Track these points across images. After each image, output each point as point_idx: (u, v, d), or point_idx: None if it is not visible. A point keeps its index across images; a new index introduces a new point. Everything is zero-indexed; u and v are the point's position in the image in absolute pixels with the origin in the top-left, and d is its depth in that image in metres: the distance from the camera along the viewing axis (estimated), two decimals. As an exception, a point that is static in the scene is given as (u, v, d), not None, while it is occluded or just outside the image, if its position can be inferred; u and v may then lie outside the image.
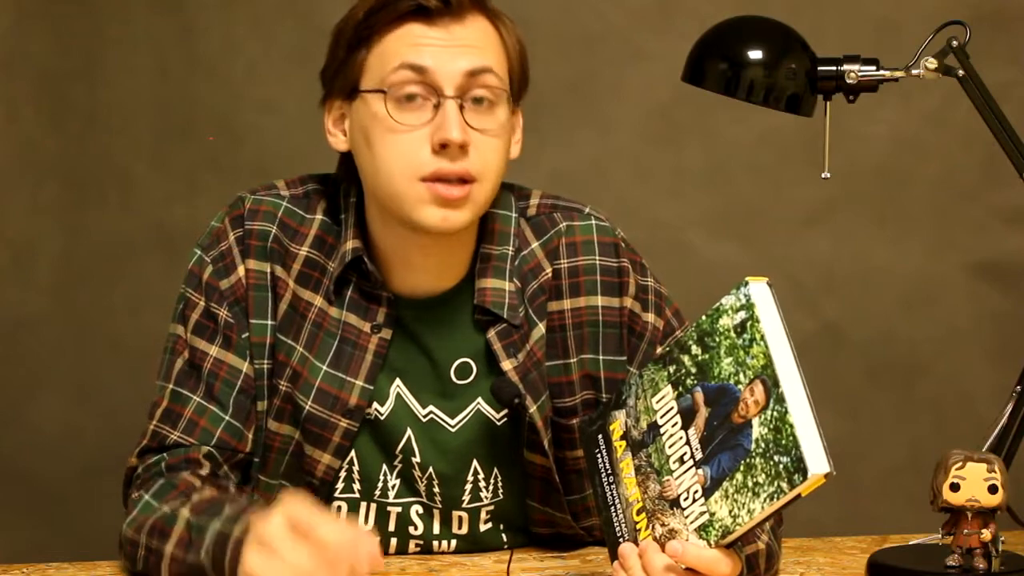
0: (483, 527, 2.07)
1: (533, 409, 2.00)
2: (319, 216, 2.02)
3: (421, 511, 2.05)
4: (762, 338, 1.69)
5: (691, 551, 1.71)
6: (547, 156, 3.30)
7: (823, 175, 2.12)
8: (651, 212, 3.37)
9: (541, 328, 2.01)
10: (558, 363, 2.03)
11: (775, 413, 1.66)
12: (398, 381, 2.01)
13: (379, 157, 1.93)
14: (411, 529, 2.05)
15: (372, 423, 2.01)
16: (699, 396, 1.74)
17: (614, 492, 1.82)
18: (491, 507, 2.06)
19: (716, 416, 1.72)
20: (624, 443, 1.81)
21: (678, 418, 1.75)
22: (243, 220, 2.01)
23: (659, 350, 1.98)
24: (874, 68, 2.11)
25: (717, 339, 1.73)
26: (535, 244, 2.04)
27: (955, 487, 1.87)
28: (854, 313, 3.43)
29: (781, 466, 1.65)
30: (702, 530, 1.72)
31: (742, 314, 1.71)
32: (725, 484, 1.70)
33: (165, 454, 1.97)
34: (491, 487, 2.05)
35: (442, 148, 1.90)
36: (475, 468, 2.03)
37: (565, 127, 3.36)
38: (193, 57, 3.40)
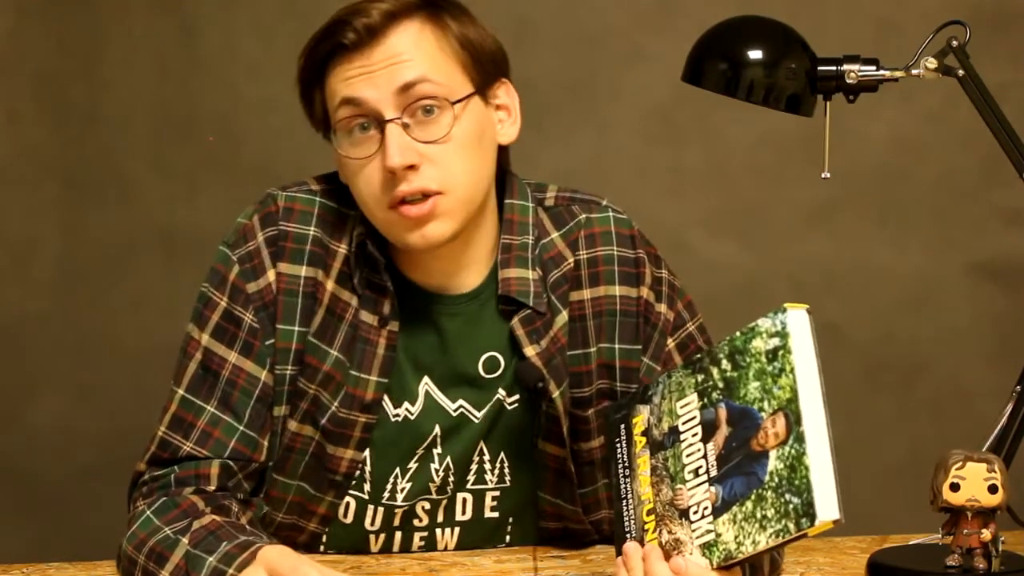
0: (488, 514, 2.07)
1: (556, 394, 2.00)
2: (355, 212, 2.00)
3: (428, 507, 2.05)
4: (791, 371, 1.66)
5: (693, 571, 1.71)
6: (547, 156, 3.29)
7: (823, 175, 2.12)
8: (651, 212, 3.34)
9: (565, 315, 2.02)
10: (578, 352, 2.04)
11: (793, 451, 1.64)
12: (426, 379, 2.02)
13: (355, 193, 1.96)
14: (415, 521, 2.06)
15: (401, 424, 2.01)
16: (722, 412, 1.72)
17: (628, 487, 1.81)
18: (496, 492, 2.06)
19: (736, 438, 1.70)
20: (644, 439, 1.81)
21: (699, 429, 1.74)
22: (276, 219, 1.99)
23: (686, 357, 2.00)
24: (874, 68, 2.11)
25: (748, 359, 1.70)
26: (555, 234, 2.05)
27: (955, 487, 1.87)
28: (854, 313, 3.43)
29: (791, 506, 1.63)
30: (706, 548, 1.71)
31: (776, 340, 1.68)
32: (735, 508, 1.68)
33: (176, 467, 1.94)
34: (496, 471, 2.05)
35: (392, 175, 1.91)
36: (480, 448, 2.04)
37: (565, 127, 3.36)
38: (193, 57, 3.40)
